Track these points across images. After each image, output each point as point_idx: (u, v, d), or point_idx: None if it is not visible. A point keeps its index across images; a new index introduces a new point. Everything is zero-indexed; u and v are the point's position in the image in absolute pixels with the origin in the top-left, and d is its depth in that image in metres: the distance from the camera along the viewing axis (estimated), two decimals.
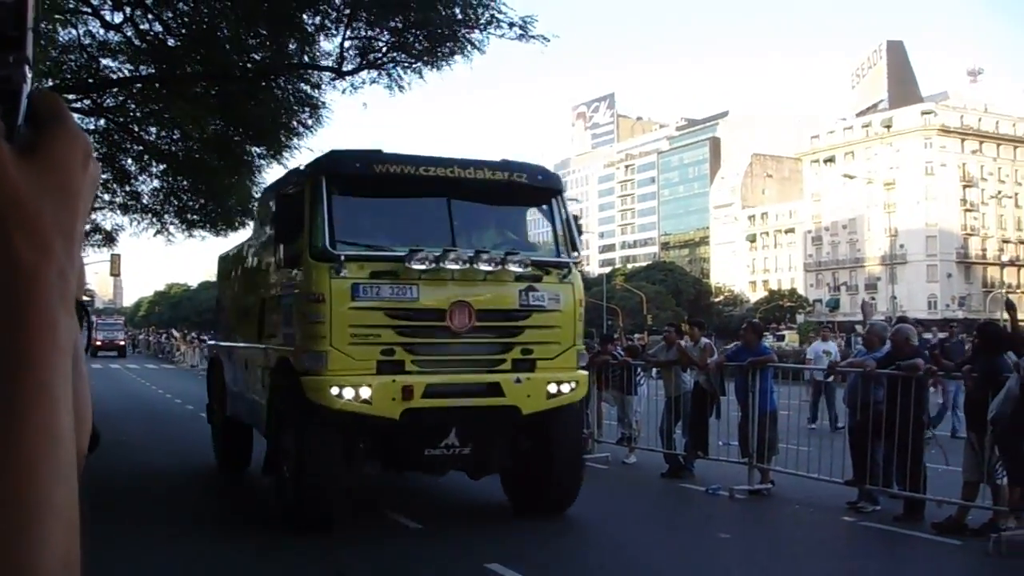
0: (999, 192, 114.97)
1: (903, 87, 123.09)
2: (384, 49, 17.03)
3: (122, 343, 72.04)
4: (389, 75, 17.30)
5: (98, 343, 66.41)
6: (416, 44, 16.45)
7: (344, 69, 17.15)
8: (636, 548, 9.59)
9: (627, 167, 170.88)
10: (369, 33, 16.92)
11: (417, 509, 11.01)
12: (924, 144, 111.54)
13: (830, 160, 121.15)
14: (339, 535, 9.90)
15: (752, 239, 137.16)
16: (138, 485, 12.87)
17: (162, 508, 11.46)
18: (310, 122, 19.33)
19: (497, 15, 15.54)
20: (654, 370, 16.40)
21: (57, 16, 12.43)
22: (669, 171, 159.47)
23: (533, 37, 15.83)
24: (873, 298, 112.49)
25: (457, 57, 16.29)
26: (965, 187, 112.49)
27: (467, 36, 15.94)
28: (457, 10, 15.38)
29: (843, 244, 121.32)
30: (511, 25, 15.71)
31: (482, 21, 15.66)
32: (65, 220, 0.75)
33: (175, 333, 72.16)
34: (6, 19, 0.64)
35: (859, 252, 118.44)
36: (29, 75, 0.64)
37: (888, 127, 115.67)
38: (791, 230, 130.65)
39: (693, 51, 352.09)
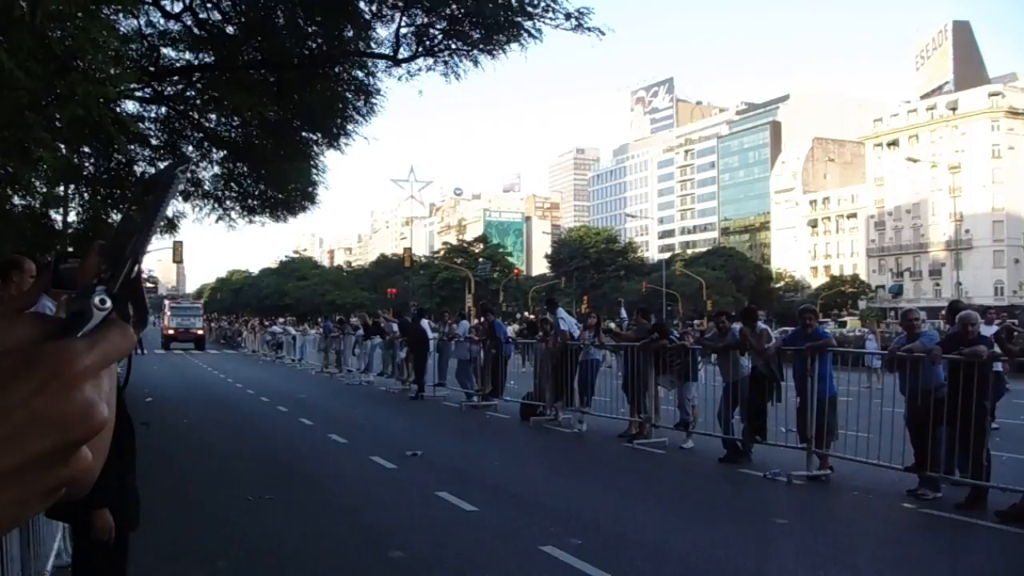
0: None
1: (969, 69, 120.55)
2: (440, 37, 17.06)
3: (200, 332, 58.72)
4: (445, 63, 17.34)
5: (171, 332, 56.81)
6: (472, 32, 16.46)
7: (400, 56, 17.20)
8: (691, 532, 9.53)
9: (687, 152, 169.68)
10: (425, 20, 16.95)
11: (471, 492, 11.04)
12: (991, 126, 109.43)
13: (893, 144, 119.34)
14: (393, 517, 10.00)
15: (813, 224, 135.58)
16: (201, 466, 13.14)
17: (224, 486, 11.62)
18: (364, 109, 19.44)
19: (552, 4, 15.54)
20: (712, 355, 16.28)
21: (119, 5, 12.55)
22: (729, 156, 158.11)
23: (588, 29, 15.80)
24: (938, 284, 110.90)
25: (513, 45, 16.28)
26: None
27: (522, 24, 15.92)
28: None
29: (906, 229, 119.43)
30: (567, 16, 15.71)
31: (538, 10, 15.65)
32: None
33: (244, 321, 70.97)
34: None
35: (923, 237, 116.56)
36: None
37: (954, 109, 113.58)
38: (853, 215, 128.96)
39: (753, 34, 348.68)
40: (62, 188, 22.00)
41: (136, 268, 0.78)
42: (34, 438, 0.66)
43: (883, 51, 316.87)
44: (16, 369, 0.66)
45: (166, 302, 64.58)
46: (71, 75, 9.32)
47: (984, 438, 10.54)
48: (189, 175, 23.87)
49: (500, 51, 16.48)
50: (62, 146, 18.10)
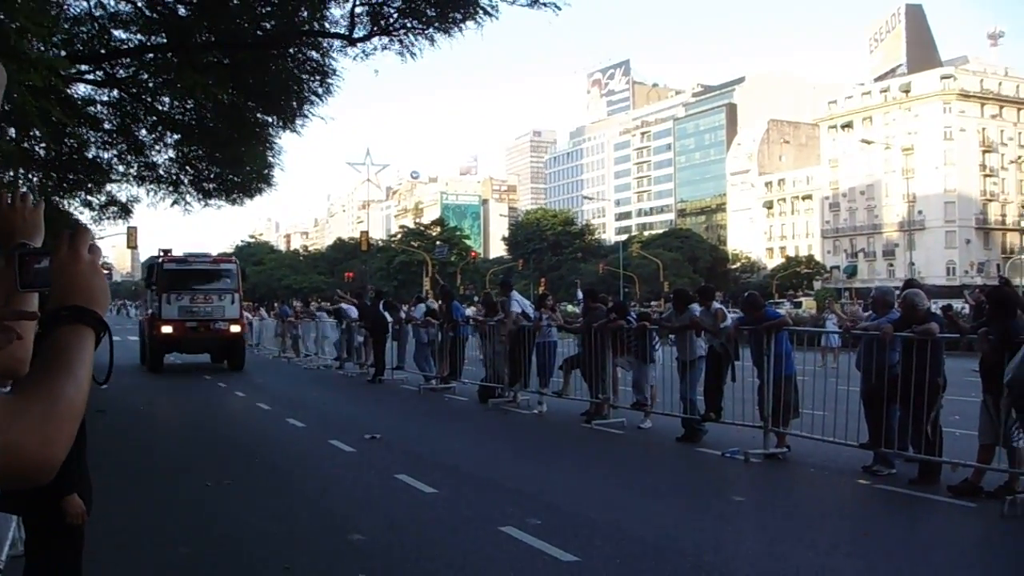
0: (1019, 157, 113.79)
1: (922, 51, 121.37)
2: (395, 15, 16.93)
3: (236, 330, 28.60)
4: (400, 41, 17.21)
5: (167, 330, 27.51)
6: (427, 9, 16.35)
7: (355, 36, 17.06)
8: (649, 511, 9.59)
9: (643, 134, 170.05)
10: None
11: (429, 475, 11.04)
12: (943, 109, 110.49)
13: (847, 126, 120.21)
14: (352, 500, 9.98)
15: (769, 206, 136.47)
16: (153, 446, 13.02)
17: (175, 470, 11.54)
18: (320, 91, 19.27)
19: None
20: (670, 336, 16.34)
21: None
22: (685, 138, 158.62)
23: (544, 4, 15.75)
24: (891, 265, 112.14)
25: (468, 23, 16.19)
26: (984, 152, 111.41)
27: (478, 1, 15.85)
28: None
29: (861, 210, 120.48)
30: None
31: None
32: None
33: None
34: None
35: (877, 218, 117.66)
36: None
37: (907, 92, 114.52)
38: (808, 196, 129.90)
39: (709, 16, 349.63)
40: (11, 173, 21.63)
41: None
42: None
43: (838, 33, 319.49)
44: None
45: (160, 261, 29.79)
46: None
47: (936, 415, 10.68)
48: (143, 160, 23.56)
49: (456, 28, 16.39)
50: (11, 131, 17.83)
